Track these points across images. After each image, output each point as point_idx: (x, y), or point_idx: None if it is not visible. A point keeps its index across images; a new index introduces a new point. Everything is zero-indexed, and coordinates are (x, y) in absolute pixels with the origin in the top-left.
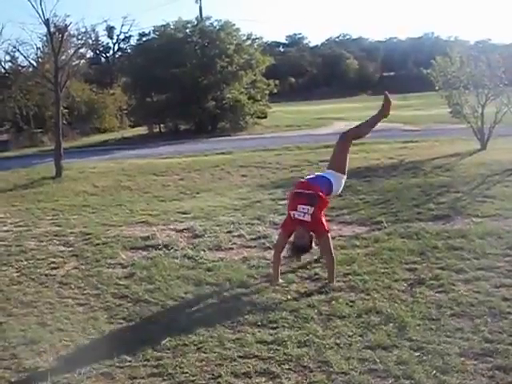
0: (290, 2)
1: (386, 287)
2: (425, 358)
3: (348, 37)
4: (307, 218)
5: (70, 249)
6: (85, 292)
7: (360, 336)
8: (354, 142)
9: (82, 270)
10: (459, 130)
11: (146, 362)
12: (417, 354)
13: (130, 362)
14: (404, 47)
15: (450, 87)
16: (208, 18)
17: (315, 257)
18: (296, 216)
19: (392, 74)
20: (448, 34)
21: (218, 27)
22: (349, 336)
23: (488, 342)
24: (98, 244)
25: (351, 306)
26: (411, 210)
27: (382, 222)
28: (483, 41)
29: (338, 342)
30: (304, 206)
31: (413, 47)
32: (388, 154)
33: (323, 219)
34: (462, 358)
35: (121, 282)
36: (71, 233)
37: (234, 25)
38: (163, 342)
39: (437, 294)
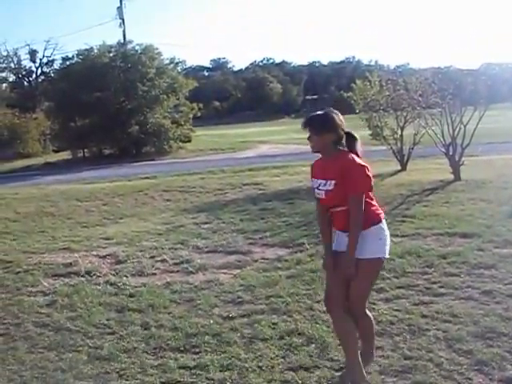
0: (214, 27)
1: (308, 308)
2: None
3: (271, 61)
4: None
5: None
6: (5, 321)
7: (282, 358)
8: (275, 164)
9: (2, 299)
10: (380, 151)
11: None
12: (338, 373)
13: None
14: (326, 71)
15: (370, 110)
16: (130, 42)
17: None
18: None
19: (315, 97)
20: (369, 58)
21: (139, 51)
22: (271, 358)
23: (407, 359)
24: (19, 272)
25: (273, 328)
26: None
27: (304, 244)
28: (402, 65)
29: (260, 364)
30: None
31: (335, 71)
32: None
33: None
34: (383, 376)
35: (42, 311)
36: None
37: (156, 48)
38: (85, 370)
39: None
